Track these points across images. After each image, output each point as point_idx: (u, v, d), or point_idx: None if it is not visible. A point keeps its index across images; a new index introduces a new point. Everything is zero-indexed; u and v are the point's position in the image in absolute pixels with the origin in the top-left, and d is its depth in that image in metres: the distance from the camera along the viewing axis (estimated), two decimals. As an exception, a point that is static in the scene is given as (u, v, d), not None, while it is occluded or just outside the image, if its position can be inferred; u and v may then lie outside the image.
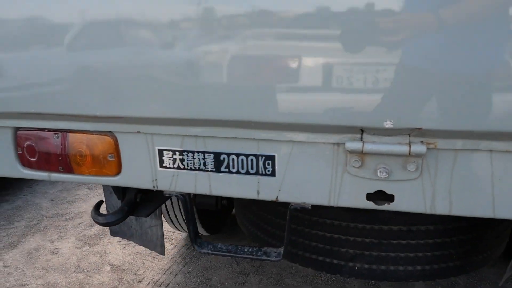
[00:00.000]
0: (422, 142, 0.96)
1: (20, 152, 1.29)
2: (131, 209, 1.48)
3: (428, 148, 0.96)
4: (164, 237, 2.40)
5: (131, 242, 3.05)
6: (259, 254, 1.25)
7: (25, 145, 1.27)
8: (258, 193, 1.13)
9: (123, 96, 1.09)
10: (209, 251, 1.30)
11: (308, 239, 1.52)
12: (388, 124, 0.93)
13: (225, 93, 1.02)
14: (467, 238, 1.43)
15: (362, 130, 0.99)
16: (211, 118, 1.06)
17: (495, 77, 0.86)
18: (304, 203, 1.11)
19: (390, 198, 1.04)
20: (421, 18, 0.86)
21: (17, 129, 1.28)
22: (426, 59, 0.88)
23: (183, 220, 2.50)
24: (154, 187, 1.21)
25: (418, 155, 0.96)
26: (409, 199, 1.03)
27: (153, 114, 1.10)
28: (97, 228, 3.27)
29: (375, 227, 1.42)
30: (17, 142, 1.29)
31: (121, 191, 1.50)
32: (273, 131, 1.05)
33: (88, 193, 3.94)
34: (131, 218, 2.19)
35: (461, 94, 0.88)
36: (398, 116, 0.92)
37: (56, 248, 3.00)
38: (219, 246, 1.30)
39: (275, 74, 0.97)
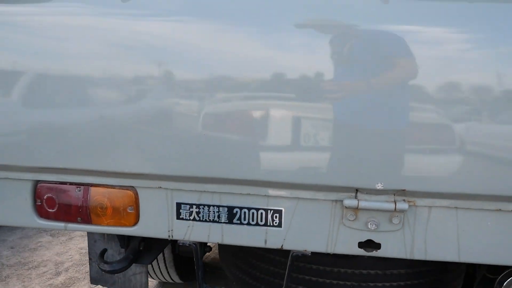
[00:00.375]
0: (404, 200, 1.20)
1: (39, 203, 1.39)
2: (135, 257, 1.59)
3: (409, 205, 1.20)
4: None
5: (102, 291, 3.04)
6: (259, 297, 1.40)
7: (45, 197, 1.37)
8: (265, 242, 1.30)
9: (150, 156, 1.25)
10: (215, 295, 1.43)
11: (296, 283, 1.68)
12: (379, 186, 1.16)
13: (241, 155, 1.21)
14: (433, 279, 1.67)
15: (356, 190, 1.21)
16: (228, 177, 1.24)
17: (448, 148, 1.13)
18: (306, 250, 1.29)
19: (377, 246, 1.26)
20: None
21: (37, 182, 1.38)
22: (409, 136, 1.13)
23: (164, 268, 2.57)
24: (169, 236, 1.35)
25: (401, 211, 1.19)
26: (393, 246, 1.25)
27: (176, 172, 1.26)
28: (63, 277, 3.21)
29: (355, 271, 1.63)
30: (37, 194, 1.38)
31: (125, 240, 1.61)
32: (282, 189, 1.25)
33: (51, 240, 3.85)
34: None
35: (434, 164, 1.14)
36: (387, 179, 1.16)
37: (21, 299, 2.91)
38: None
39: (287, 142, 1.18)
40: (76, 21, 1.23)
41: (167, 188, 1.31)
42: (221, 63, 1.18)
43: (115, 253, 2.17)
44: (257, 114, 1.18)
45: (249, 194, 1.27)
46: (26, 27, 1.25)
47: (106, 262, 1.57)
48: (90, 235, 2.19)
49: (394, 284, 1.64)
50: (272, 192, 1.26)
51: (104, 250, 1.67)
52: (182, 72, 1.21)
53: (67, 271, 3.30)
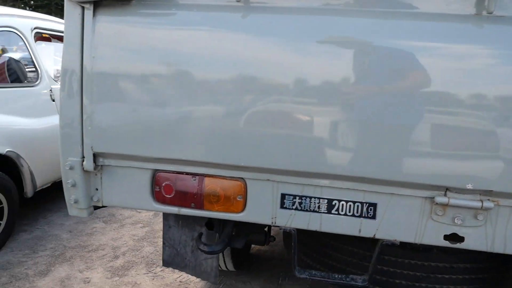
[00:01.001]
0: (489, 199, 1.37)
1: (158, 189, 1.59)
2: (229, 241, 1.78)
3: (494, 205, 1.36)
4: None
5: (159, 274, 3.26)
6: (347, 279, 1.58)
7: (163, 184, 1.58)
8: (359, 231, 1.48)
9: (262, 151, 1.44)
10: (307, 276, 1.61)
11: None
12: (469, 186, 1.33)
13: (347, 154, 1.39)
14: (495, 275, 1.83)
15: (446, 189, 1.38)
16: (332, 173, 1.43)
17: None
18: (395, 240, 1.47)
19: (461, 239, 1.43)
20: None
21: (156, 171, 1.59)
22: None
23: (222, 256, 2.78)
24: (272, 223, 1.54)
25: (487, 209, 1.36)
26: (475, 240, 1.42)
27: (284, 167, 1.45)
28: (122, 260, 3.45)
29: (424, 263, 1.80)
30: (156, 181, 1.59)
31: (221, 225, 1.81)
32: (379, 185, 1.43)
33: (104, 226, 4.10)
34: (187, 250, 2.46)
35: (520, 169, 1.30)
36: (477, 180, 1.33)
37: (87, 278, 3.15)
38: (314, 272, 1.62)
39: (392, 145, 1.36)
40: (206, 34, 1.43)
41: (274, 181, 1.50)
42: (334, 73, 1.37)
43: (188, 240, 2.38)
44: (362, 118, 1.36)
45: (348, 188, 1.45)
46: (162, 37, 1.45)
47: (205, 244, 1.77)
48: (165, 222, 2.40)
49: (460, 277, 1.81)
50: (369, 187, 1.44)
51: (201, 234, 1.87)
52: (298, 82, 1.39)
53: (124, 255, 3.53)
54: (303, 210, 1.50)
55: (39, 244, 3.65)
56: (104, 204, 1.66)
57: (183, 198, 1.57)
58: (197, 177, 1.55)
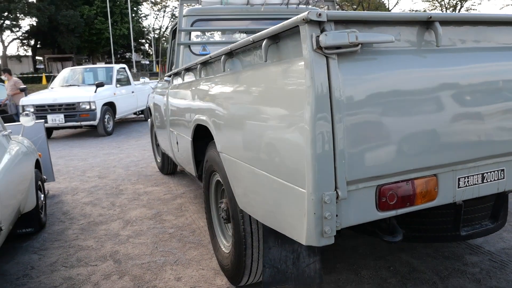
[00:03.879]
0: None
1: (383, 200, 1.94)
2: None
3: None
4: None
5: None
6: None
7: (388, 194, 1.95)
8: (497, 189, 2.24)
9: (452, 150, 2.03)
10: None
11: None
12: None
13: (500, 138, 2.14)
14: None
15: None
16: (487, 155, 2.14)
17: None
18: (514, 189, 2.31)
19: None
20: None
21: (379, 185, 1.94)
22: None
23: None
24: (453, 201, 2.13)
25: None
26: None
27: (465, 158, 2.08)
28: None
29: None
30: (381, 193, 1.94)
31: (389, 219, 2.25)
32: (505, 156, 2.22)
33: None
34: (288, 264, 2.72)
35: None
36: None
37: None
38: None
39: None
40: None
41: (455, 170, 2.10)
42: None
43: (288, 254, 2.69)
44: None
45: (492, 163, 2.20)
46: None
47: (389, 234, 2.19)
48: (265, 245, 2.62)
49: None
50: (500, 159, 2.22)
51: (381, 225, 2.25)
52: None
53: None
54: (469, 186, 2.17)
55: None
56: (342, 227, 1.89)
57: (402, 201, 1.99)
58: (409, 181, 2.00)
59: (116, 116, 13.91)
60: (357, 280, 3.46)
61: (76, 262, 4.13)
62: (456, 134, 2.04)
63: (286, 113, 1.88)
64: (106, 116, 13.03)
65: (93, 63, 49.76)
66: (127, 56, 57.34)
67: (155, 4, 60.41)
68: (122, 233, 4.85)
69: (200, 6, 5.21)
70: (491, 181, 2.23)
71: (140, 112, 16.67)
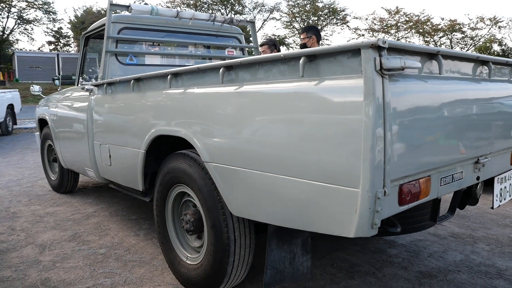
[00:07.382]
0: None
1: (403, 197, 2.32)
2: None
3: None
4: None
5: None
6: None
7: (406, 191, 2.33)
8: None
9: (447, 155, 2.55)
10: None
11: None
12: None
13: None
14: None
15: None
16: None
17: None
18: None
19: None
20: None
21: (401, 185, 2.31)
22: None
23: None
24: (437, 196, 2.63)
25: None
26: None
27: (448, 162, 2.61)
28: None
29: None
30: (401, 191, 2.31)
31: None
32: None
33: None
34: (285, 264, 2.93)
35: None
36: None
37: None
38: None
39: None
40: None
41: (439, 172, 2.61)
42: None
43: (286, 254, 2.94)
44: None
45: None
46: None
47: (391, 227, 2.57)
48: (268, 247, 2.81)
49: None
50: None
51: (386, 221, 2.60)
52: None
53: None
54: (446, 184, 2.71)
55: None
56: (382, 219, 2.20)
57: (412, 197, 2.39)
58: (417, 181, 2.42)
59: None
60: (311, 278, 3.77)
61: (4, 296, 3.54)
62: (446, 143, 2.57)
63: (337, 127, 2.12)
64: None
65: None
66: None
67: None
68: (43, 258, 4.29)
69: (129, 14, 5.03)
70: (456, 180, 2.83)
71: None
